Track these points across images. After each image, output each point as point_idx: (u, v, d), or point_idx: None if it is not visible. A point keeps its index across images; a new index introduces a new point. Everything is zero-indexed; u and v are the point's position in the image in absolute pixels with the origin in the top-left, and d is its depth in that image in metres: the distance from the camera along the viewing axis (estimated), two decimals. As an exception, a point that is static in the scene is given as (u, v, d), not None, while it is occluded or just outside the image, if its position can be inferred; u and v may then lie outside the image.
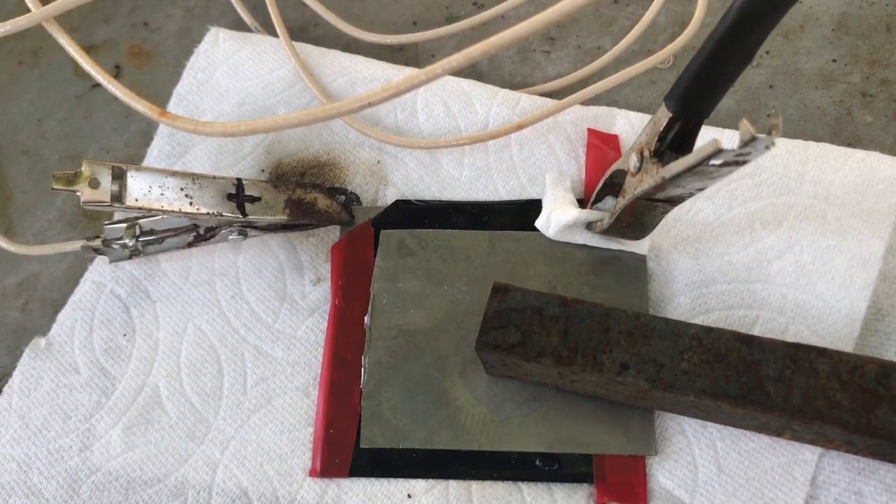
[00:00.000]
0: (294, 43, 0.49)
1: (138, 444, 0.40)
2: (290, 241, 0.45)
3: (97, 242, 0.42)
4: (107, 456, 0.40)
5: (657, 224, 0.39)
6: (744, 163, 0.28)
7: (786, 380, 0.34)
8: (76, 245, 0.43)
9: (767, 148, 0.26)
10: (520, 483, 0.38)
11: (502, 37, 0.27)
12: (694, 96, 0.32)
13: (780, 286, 0.41)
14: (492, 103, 0.47)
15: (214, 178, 0.41)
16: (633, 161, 0.35)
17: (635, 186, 0.35)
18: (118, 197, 0.38)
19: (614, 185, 0.40)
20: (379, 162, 0.46)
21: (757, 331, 0.40)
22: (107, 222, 0.42)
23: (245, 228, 0.43)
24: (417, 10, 0.54)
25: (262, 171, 0.46)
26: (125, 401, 0.41)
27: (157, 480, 0.39)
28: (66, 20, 0.55)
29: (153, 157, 0.47)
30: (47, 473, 0.39)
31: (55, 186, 0.37)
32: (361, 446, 0.39)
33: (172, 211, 0.39)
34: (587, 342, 0.36)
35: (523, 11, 0.52)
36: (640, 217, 0.38)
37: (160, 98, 0.50)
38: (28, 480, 0.39)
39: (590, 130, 0.45)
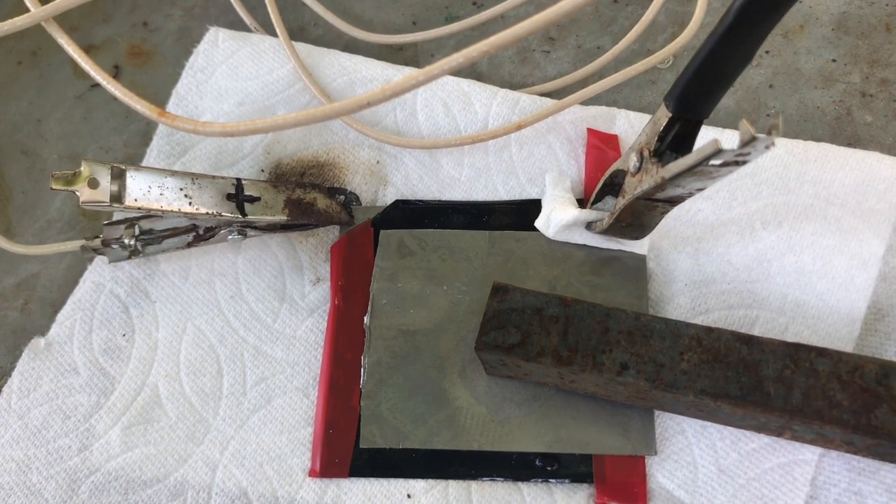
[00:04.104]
0: (293, 43, 0.49)
1: (137, 444, 0.40)
2: (290, 241, 0.45)
3: (96, 242, 0.42)
4: (106, 456, 0.40)
5: (657, 224, 0.39)
6: (744, 163, 0.28)
7: (786, 380, 0.34)
8: (75, 245, 0.43)
9: (767, 148, 0.26)
10: (519, 483, 0.38)
11: (502, 37, 0.27)
12: (694, 96, 0.32)
13: (780, 286, 0.41)
14: (491, 103, 0.47)
15: (214, 178, 0.41)
16: (632, 161, 0.35)
17: (635, 186, 0.35)
18: (117, 197, 0.38)
19: (614, 185, 0.40)
20: (378, 162, 0.46)
21: (757, 331, 0.40)
22: (106, 222, 0.42)
23: (244, 228, 0.43)
24: (417, 10, 0.54)
25: (262, 170, 0.46)
26: (124, 401, 0.41)
27: (156, 480, 0.39)
28: (66, 20, 0.55)
29: (152, 157, 0.47)
30: (46, 474, 0.39)
31: (54, 186, 0.37)
32: (361, 446, 0.39)
33: (172, 211, 0.39)
34: (587, 342, 0.36)
35: (523, 11, 0.52)
36: (639, 217, 0.38)
37: (159, 98, 0.50)
38: (27, 481, 0.39)
39: (589, 130, 0.45)
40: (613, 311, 0.36)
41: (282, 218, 0.42)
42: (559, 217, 0.42)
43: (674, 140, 0.33)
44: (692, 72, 0.31)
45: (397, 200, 0.45)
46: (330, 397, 0.40)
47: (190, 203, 0.40)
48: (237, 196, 0.41)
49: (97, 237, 0.42)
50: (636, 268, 0.42)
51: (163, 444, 0.40)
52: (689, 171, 0.30)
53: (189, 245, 0.44)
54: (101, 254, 0.43)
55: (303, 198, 0.44)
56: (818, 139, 0.45)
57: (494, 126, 0.46)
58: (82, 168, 0.37)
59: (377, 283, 0.43)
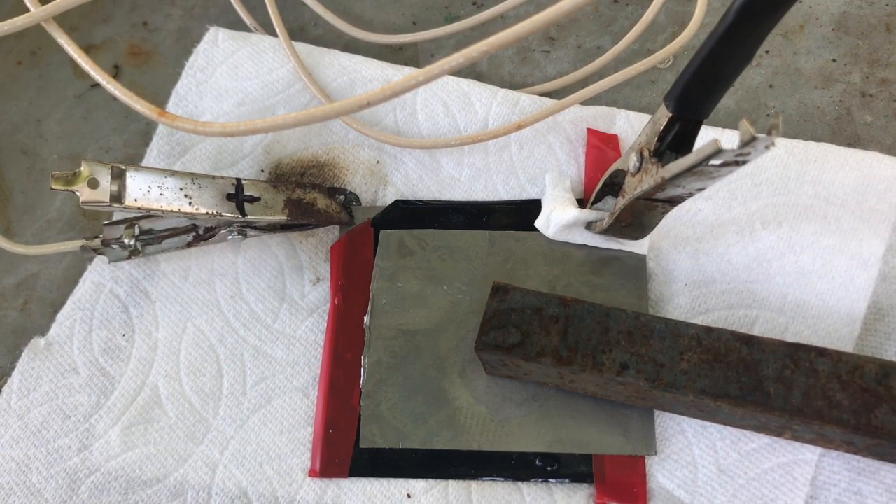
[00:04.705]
0: (293, 43, 0.49)
1: (137, 444, 0.40)
2: (290, 241, 0.45)
3: (96, 242, 0.42)
4: (106, 456, 0.40)
5: (657, 224, 0.39)
6: (744, 163, 0.28)
7: (786, 380, 0.34)
8: (75, 245, 0.43)
9: (767, 148, 0.26)
10: (519, 483, 0.38)
11: (502, 37, 0.27)
12: (693, 96, 0.32)
13: (780, 286, 0.41)
14: (491, 103, 0.47)
15: (214, 177, 0.41)
16: (632, 161, 0.35)
17: (635, 186, 0.35)
18: (117, 197, 0.38)
19: (614, 185, 0.40)
20: (378, 162, 0.46)
21: (757, 331, 0.40)
22: (106, 222, 0.42)
23: (244, 228, 0.43)
24: (417, 10, 0.54)
25: (262, 170, 0.46)
26: (124, 401, 0.41)
27: (156, 480, 0.39)
28: (66, 20, 0.55)
29: (152, 156, 0.47)
30: (46, 473, 0.39)
31: (54, 186, 0.37)
32: (361, 446, 0.39)
33: (172, 211, 0.39)
34: (587, 342, 0.36)
35: (523, 11, 0.52)
36: (639, 217, 0.38)
37: (159, 98, 0.50)
38: (27, 481, 0.39)
39: (589, 130, 0.45)
40: (613, 311, 0.36)
41: (282, 218, 0.42)
42: (559, 217, 0.42)
43: (674, 140, 0.33)
44: (692, 72, 0.31)
45: (397, 200, 0.45)
46: (330, 397, 0.40)
47: (190, 203, 0.40)
48: (237, 196, 0.41)
49: (97, 237, 0.42)
50: (636, 268, 0.42)
51: (163, 444, 0.40)
52: (689, 171, 0.30)
53: (189, 245, 0.44)
54: (101, 254, 0.43)
55: (303, 198, 0.44)
56: (818, 139, 0.45)
57: (494, 126, 0.46)
58: (82, 168, 0.37)
59: (377, 282, 0.43)
